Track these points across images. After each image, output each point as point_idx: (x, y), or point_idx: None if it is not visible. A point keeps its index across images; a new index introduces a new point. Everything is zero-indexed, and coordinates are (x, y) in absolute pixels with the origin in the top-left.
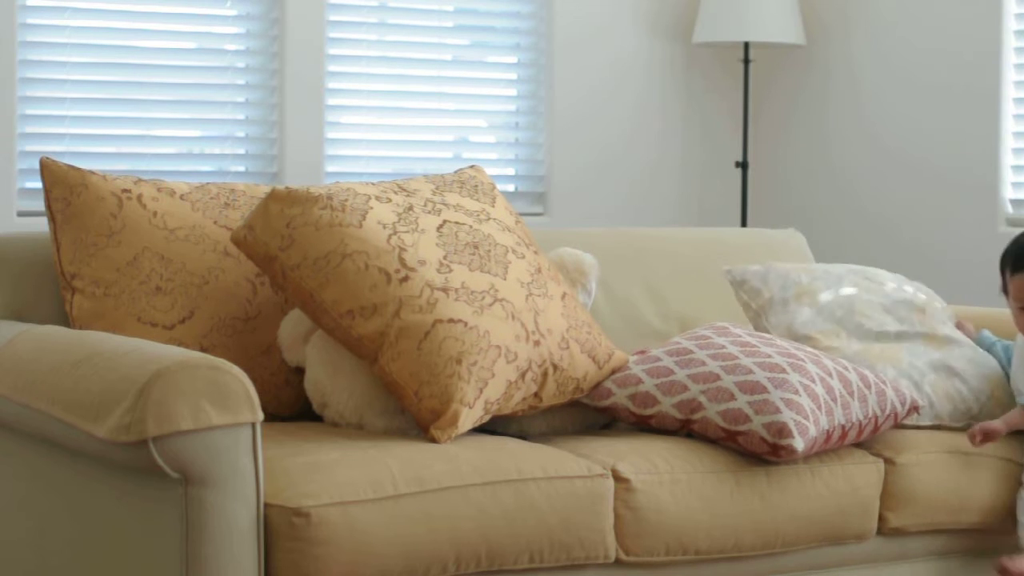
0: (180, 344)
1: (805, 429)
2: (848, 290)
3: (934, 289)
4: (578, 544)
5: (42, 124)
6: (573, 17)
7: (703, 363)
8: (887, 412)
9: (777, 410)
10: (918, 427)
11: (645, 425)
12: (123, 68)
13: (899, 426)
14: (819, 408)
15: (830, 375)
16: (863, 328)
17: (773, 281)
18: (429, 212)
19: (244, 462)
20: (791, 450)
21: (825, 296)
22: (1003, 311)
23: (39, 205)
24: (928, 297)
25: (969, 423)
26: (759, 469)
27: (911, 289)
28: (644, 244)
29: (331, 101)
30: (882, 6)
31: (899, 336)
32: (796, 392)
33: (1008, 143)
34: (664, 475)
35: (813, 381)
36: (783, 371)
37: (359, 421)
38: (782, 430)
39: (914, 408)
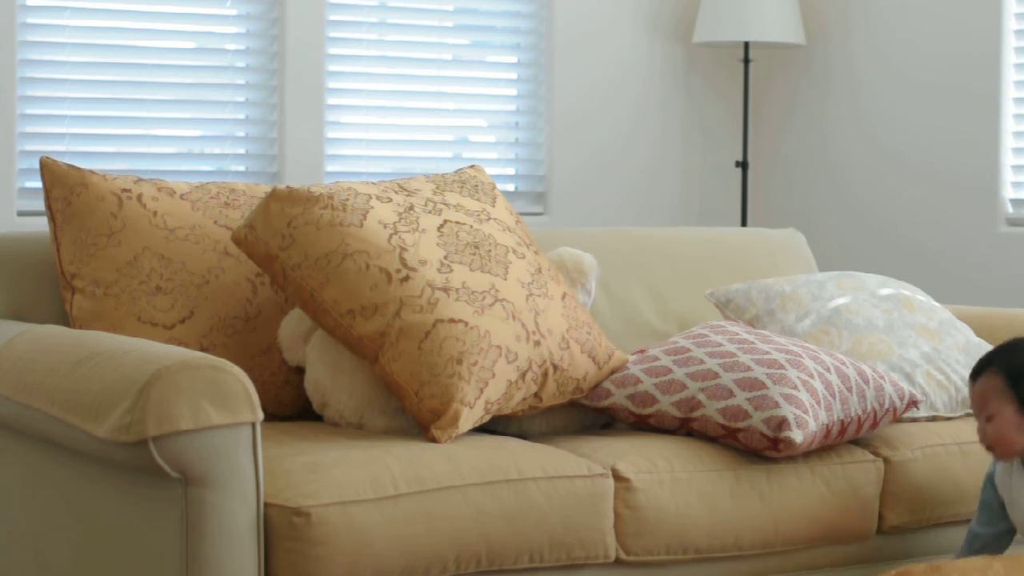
0: (180, 344)
1: (805, 423)
2: (839, 301)
3: (934, 289)
4: (578, 544)
5: (42, 124)
6: (573, 17)
7: (701, 361)
8: (885, 407)
9: (776, 405)
10: (914, 419)
11: (645, 424)
12: (123, 68)
13: (897, 420)
14: (818, 403)
15: (828, 371)
16: (852, 324)
17: (756, 295)
18: (430, 212)
19: (244, 462)
20: (790, 443)
21: (814, 304)
22: (1002, 311)
23: (39, 205)
24: (912, 292)
25: (966, 412)
26: (759, 468)
27: (895, 285)
28: (644, 244)
29: (331, 101)
30: (882, 6)
31: (888, 329)
32: (795, 387)
33: (1008, 143)
34: (664, 474)
35: (811, 376)
36: (781, 367)
37: (359, 421)
38: (781, 424)
39: (912, 403)
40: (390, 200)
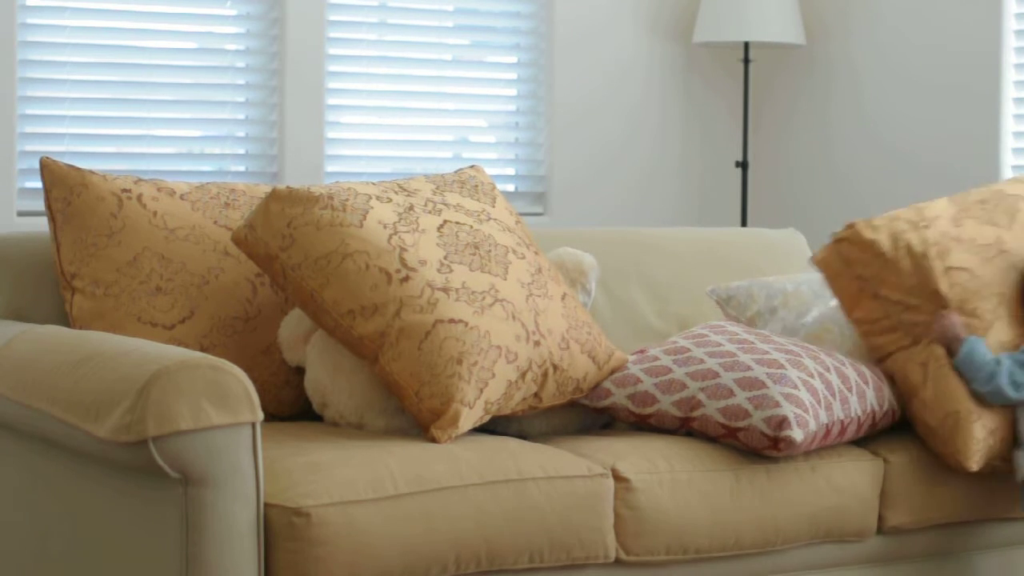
0: (180, 344)
1: (805, 422)
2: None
3: None
4: (578, 544)
5: (42, 124)
6: (573, 17)
7: (701, 361)
8: (885, 408)
9: (777, 404)
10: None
11: (645, 424)
12: (123, 68)
13: (897, 420)
14: (818, 403)
15: (828, 371)
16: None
17: (758, 293)
18: (430, 212)
19: (244, 462)
20: (790, 442)
21: (816, 302)
22: None
23: (39, 205)
24: None
25: None
26: (759, 467)
27: None
28: (644, 244)
29: (331, 101)
30: (882, 6)
31: None
32: (795, 387)
33: (1008, 143)
34: (664, 474)
35: (812, 376)
36: (781, 367)
37: (359, 421)
38: (782, 423)
39: None
40: (390, 200)
